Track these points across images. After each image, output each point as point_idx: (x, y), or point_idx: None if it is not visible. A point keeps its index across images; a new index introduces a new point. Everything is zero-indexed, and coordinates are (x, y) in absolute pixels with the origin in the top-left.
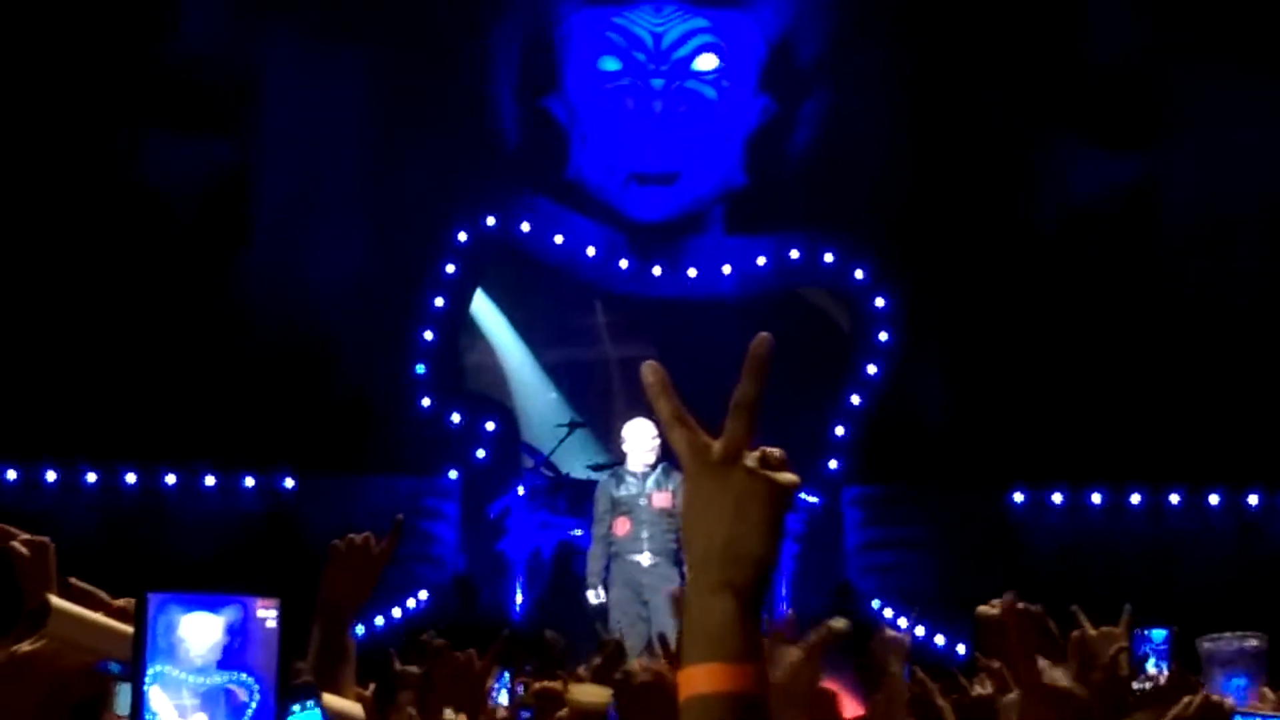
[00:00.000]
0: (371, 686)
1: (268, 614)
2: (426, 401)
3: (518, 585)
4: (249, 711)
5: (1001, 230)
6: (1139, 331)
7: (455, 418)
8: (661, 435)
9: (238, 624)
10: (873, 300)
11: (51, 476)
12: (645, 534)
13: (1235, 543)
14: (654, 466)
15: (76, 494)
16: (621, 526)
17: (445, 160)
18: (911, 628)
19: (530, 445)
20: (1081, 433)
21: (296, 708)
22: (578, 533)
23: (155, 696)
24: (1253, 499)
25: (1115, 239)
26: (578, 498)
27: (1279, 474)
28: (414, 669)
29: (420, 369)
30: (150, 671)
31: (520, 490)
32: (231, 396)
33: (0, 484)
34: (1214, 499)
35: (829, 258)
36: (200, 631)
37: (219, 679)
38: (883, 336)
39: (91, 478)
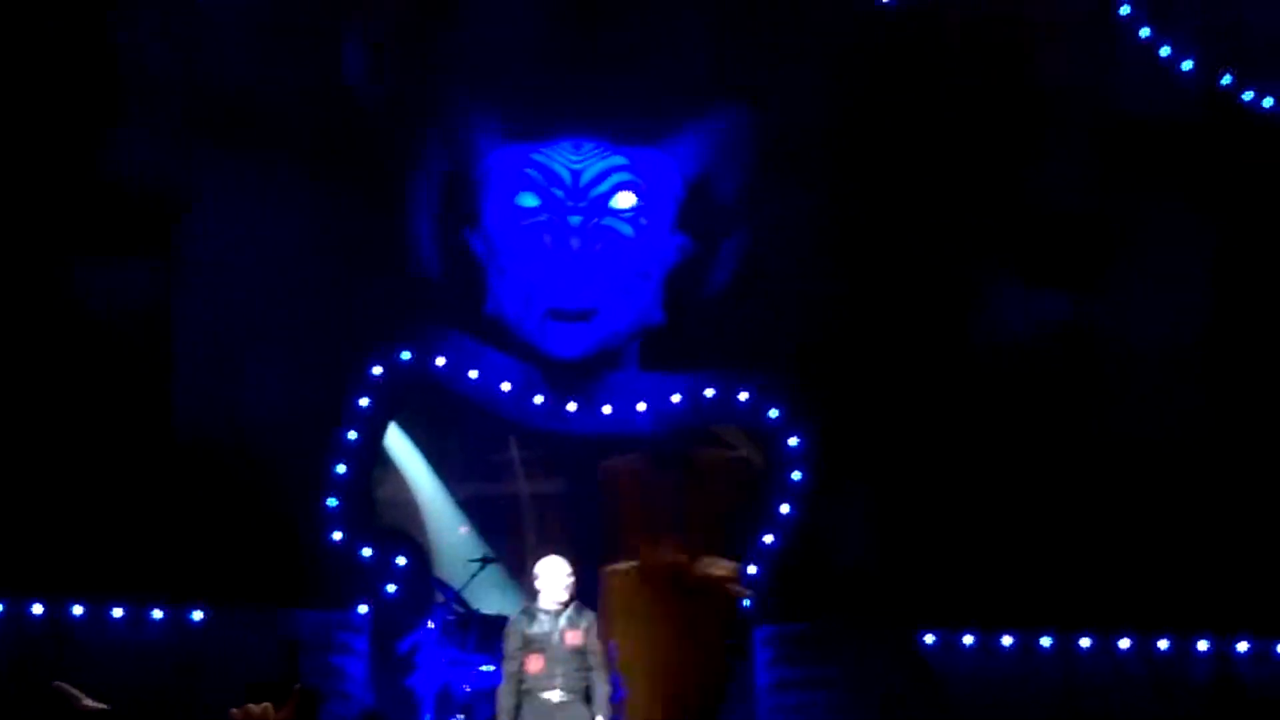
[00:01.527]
0: None
1: None
2: (338, 535)
3: None
4: None
5: (921, 370)
6: (1057, 471)
7: (366, 552)
8: (574, 574)
9: None
10: (786, 439)
11: None
12: (558, 671)
13: (1147, 688)
14: (566, 604)
15: None
16: (534, 664)
17: (364, 293)
18: None
19: (441, 580)
20: (994, 574)
21: None
22: (488, 669)
23: None
24: (1163, 644)
25: (1034, 381)
26: (487, 634)
27: (1191, 620)
28: None
29: (332, 502)
30: None
31: (430, 625)
32: (142, 527)
33: None
34: (1125, 643)
35: (744, 396)
36: None
37: None
38: (795, 475)
39: None
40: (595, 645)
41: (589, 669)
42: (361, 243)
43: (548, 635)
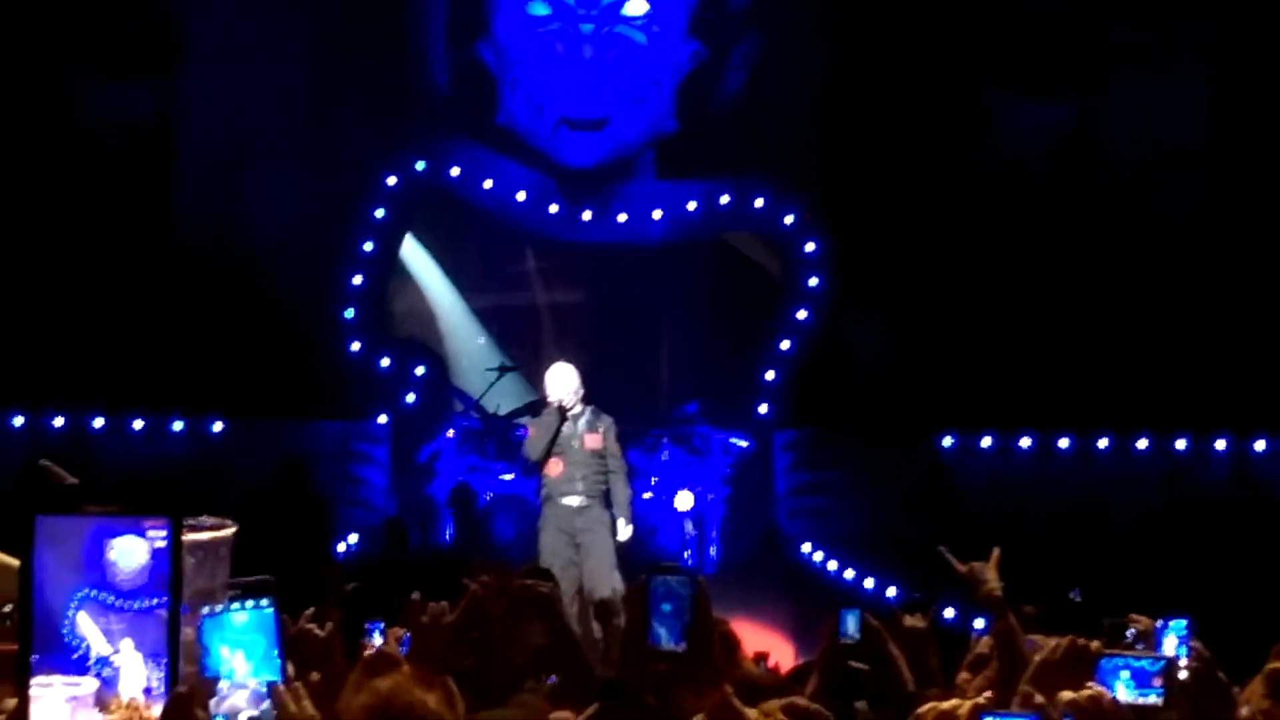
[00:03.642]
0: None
1: (158, 538)
2: (356, 346)
3: (446, 528)
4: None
5: (934, 174)
6: (1070, 277)
7: (385, 362)
8: (583, 379)
9: (160, 543)
10: (802, 245)
11: None
12: (578, 475)
13: (1162, 488)
14: (581, 409)
15: (3, 438)
16: (554, 468)
17: (376, 105)
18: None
19: (460, 390)
20: (1011, 377)
21: (249, 603)
22: (507, 477)
23: (83, 622)
24: (1180, 444)
25: (1049, 184)
26: (506, 441)
27: (1207, 419)
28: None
29: (349, 313)
30: (77, 596)
31: (450, 434)
32: (162, 341)
33: None
34: (1142, 444)
35: (759, 203)
36: (128, 556)
37: (149, 603)
38: (812, 281)
39: (19, 421)
40: (614, 448)
41: (608, 472)
42: (372, 53)
43: (568, 439)
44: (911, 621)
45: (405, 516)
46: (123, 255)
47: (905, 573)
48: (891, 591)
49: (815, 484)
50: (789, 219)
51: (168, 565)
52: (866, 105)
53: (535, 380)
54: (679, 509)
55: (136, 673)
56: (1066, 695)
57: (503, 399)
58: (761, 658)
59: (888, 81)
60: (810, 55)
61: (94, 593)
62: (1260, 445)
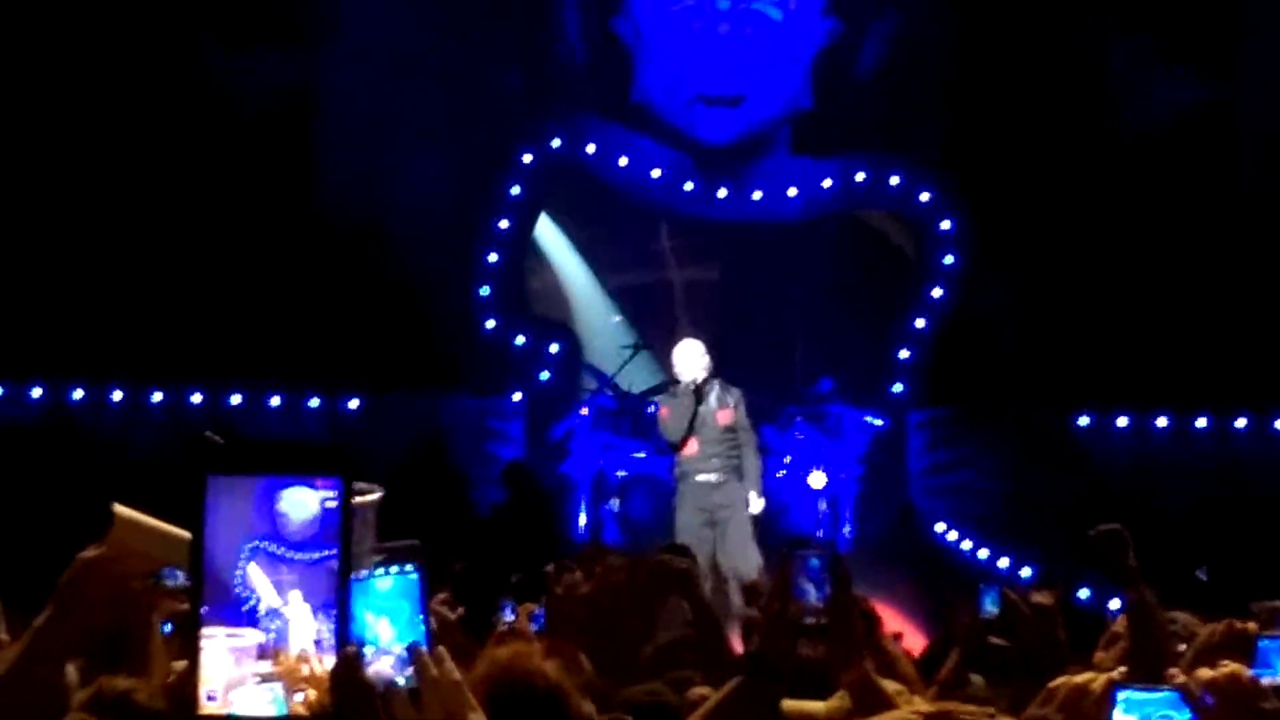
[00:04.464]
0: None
1: (328, 494)
2: (491, 323)
3: (582, 505)
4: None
5: (1070, 149)
6: (1208, 253)
7: (520, 339)
8: (710, 354)
9: (330, 501)
10: (938, 223)
11: (118, 396)
12: (713, 452)
13: None
14: (704, 386)
15: (143, 414)
16: (691, 446)
17: (510, 82)
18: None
19: (594, 367)
20: (1148, 356)
21: (395, 568)
22: (641, 455)
23: (254, 574)
24: None
25: (1189, 159)
26: (640, 420)
27: None
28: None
29: (485, 290)
30: (247, 547)
31: (584, 412)
32: (298, 316)
33: (69, 403)
34: None
35: (895, 180)
36: (300, 507)
37: (319, 554)
38: (948, 259)
39: (157, 398)
40: (744, 420)
41: (740, 445)
42: (510, 28)
43: (701, 417)
44: (1039, 598)
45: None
46: (261, 229)
47: (1040, 552)
48: (1026, 572)
49: (950, 463)
50: (925, 196)
51: (339, 518)
52: (1002, 81)
53: (668, 360)
54: (813, 487)
55: (306, 625)
56: (1205, 673)
57: (636, 378)
58: (896, 637)
59: (1023, 57)
60: (946, 31)
61: (265, 544)
62: None
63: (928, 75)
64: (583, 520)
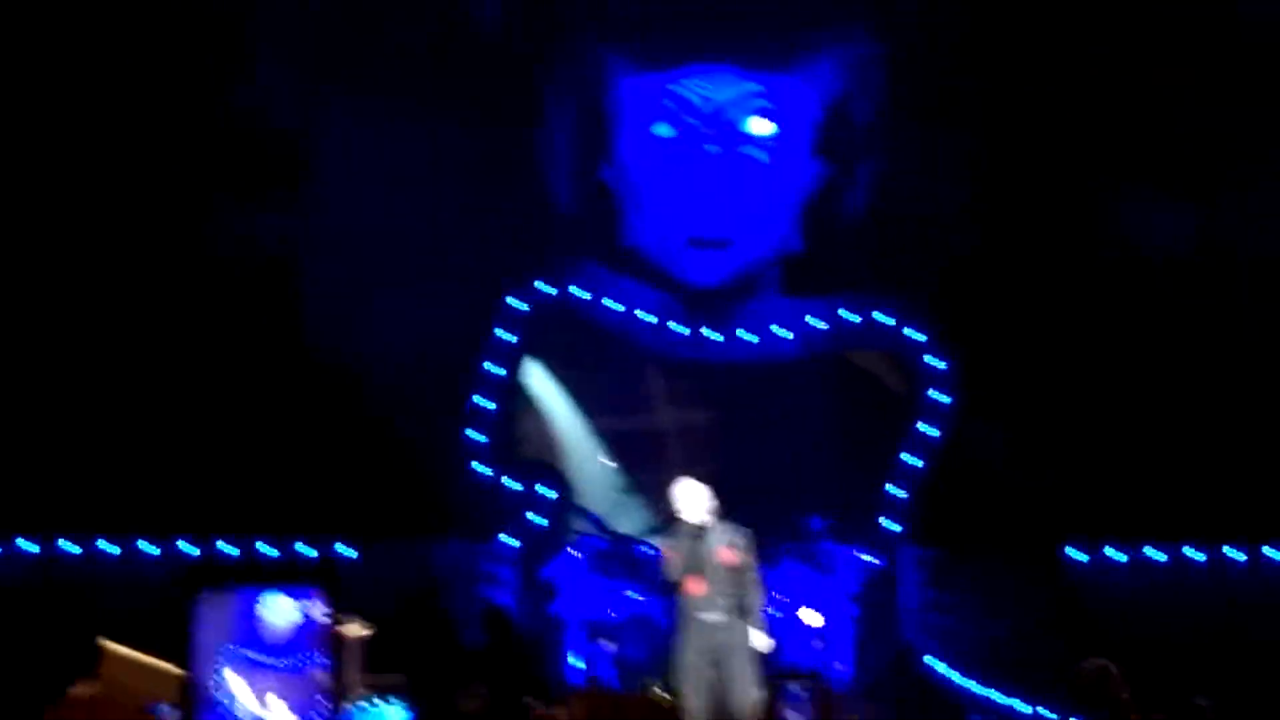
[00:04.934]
0: None
1: (317, 609)
2: (482, 468)
3: (572, 648)
4: (321, 696)
5: (1057, 284)
6: (1200, 386)
7: (512, 483)
8: (716, 496)
9: (307, 612)
10: (928, 360)
11: (109, 549)
12: (717, 591)
13: None
14: (712, 524)
15: (135, 565)
16: (696, 586)
17: (502, 229)
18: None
19: (585, 509)
20: (1142, 489)
21: (382, 702)
22: (634, 595)
23: (230, 679)
24: None
25: (1170, 294)
26: (632, 561)
27: None
28: None
29: (476, 435)
30: (225, 651)
31: (575, 553)
32: (290, 465)
33: (60, 556)
34: (1277, 554)
35: (885, 319)
36: (279, 613)
37: (299, 660)
38: (939, 396)
39: (149, 549)
40: (751, 561)
41: (744, 585)
42: (496, 176)
43: (705, 557)
44: None
45: (533, 633)
46: (250, 380)
47: (1037, 690)
48: (1025, 708)
49: (945, 601)
50: (915, 334)
51: (317, 626)
52: (989, 217)
53: (658, 500)
54: (809, 625)
55: None
56: None
57: (627, 519)
58: None
59: (1011, 197)
60: (934, 171)
61: (243, 650)
62: None
63: (918, 215)
64: (572, 661)
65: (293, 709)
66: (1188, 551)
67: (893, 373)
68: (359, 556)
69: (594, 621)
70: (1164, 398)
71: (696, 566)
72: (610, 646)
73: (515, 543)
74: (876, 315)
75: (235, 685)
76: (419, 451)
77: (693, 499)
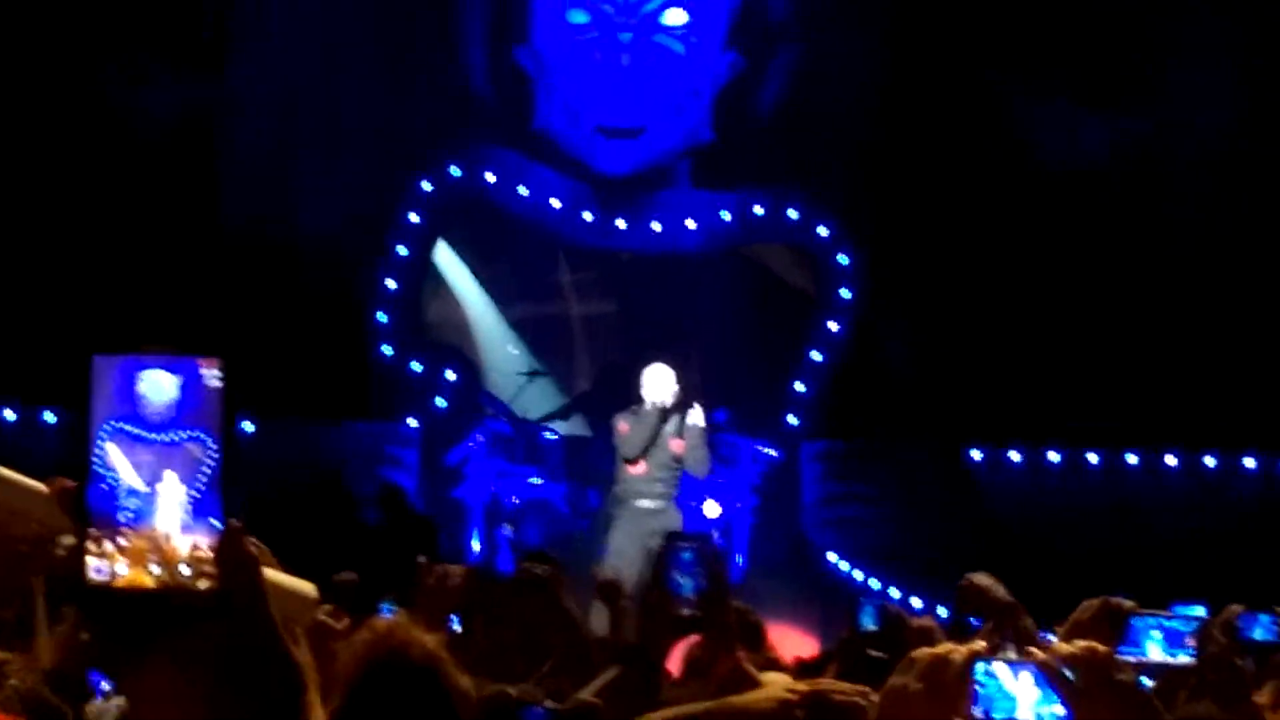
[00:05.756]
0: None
1: (212, 375)
2: (387, 349)
3: (474, 532)
4: (205, 469)
5: (967, 187)
6: (1102, 288)
7: (416, 366)
8: (680, 383)
9: (190, 382)
10: (836, 257)
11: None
12: (658, 476)
13: (1194, 505)
14: (670, 411)
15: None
16: (639, 466)
17: (412, 108)
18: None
19: (490, 395)
20: (1041, 391)
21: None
22: (536, 480)
23: (112, 453)
24: (1210, 460)
25: (1079, 197)
26: (535, 446)
27: (1236, 436)
28: None
29: (382, 317)
30: (107, 427)
31: (479, 438)
32: (198, 339)
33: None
34: (1171, 460)
35: (793, 214)
36: (158, 388)
37: (176, 436)
38: (845, 294)
39: (50, 419)
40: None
41: (681, 476)
42: (410, 57)
43: (654, 441)
44: (920, 622)
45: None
46: (164, 253)
47: (931, 585)
48: (916, 602)
49: (844, 495)
50: (823, 230)
51: (198, 402)
52: (902, 117)
53: (567, 386)
54: (707, 516)
55: (176, 507)
56: (1063, 647)
57: (531, 404)
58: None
59: (924, 93)
60: (848, 67)
61: (123, 425)
62: None
63: (829, 110)
64: (476, 546)
65: (185, 483)
66: (1086, 455)
67: (797, 267)
68: (256, 431)
69: (494, 506)
70: (1070, 302)
71: (649, 447)
72: (509, 531)
73: (415, 424)
74: (784, 208)
75: (117, 460)
76: (327, 330)
77: (659, 382)
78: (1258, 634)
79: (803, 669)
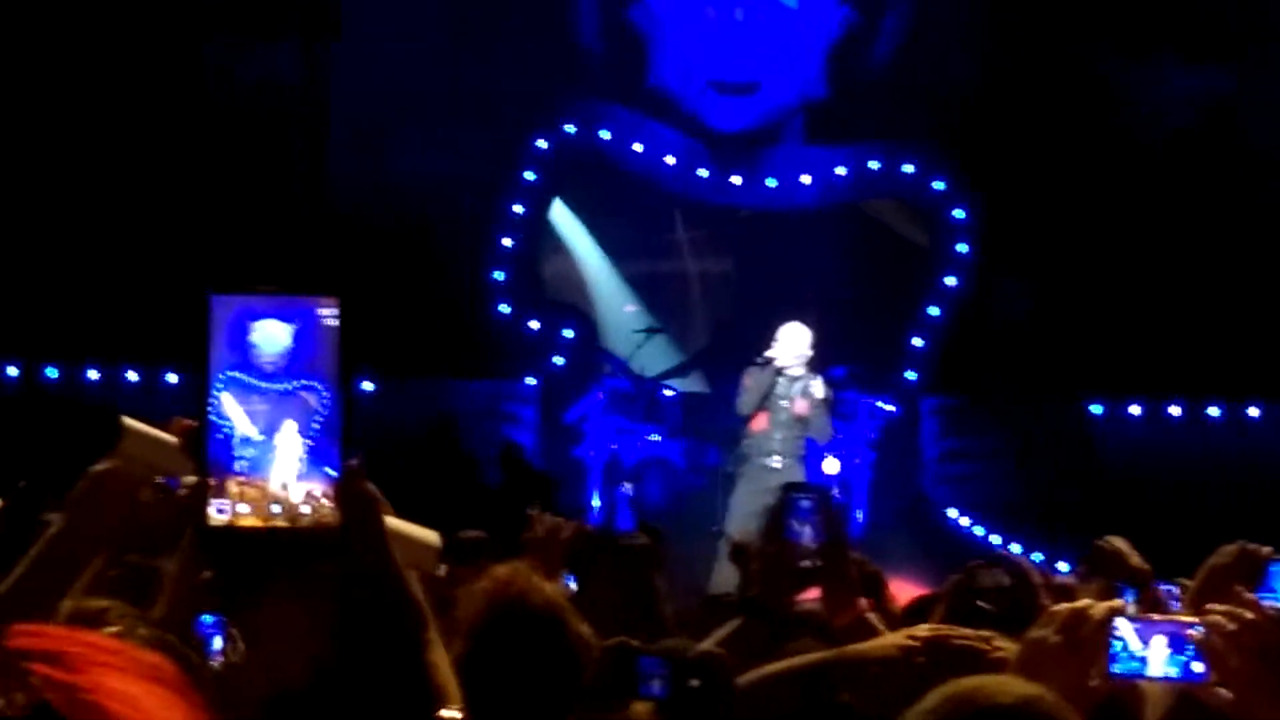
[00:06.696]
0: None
1: (329, 314)
2: (505, 308)
3: (594, 490)
4: (319, 418)
5: (1084, 141)
6: (1221, 244)
7: (534, 324)
8: (813, 347)
9: (305, 329)
10: (951, 211)
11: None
12: (779, 435)
13: None
14: (801, 374)
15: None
16: (759, 422)
17: (527, 66)
18: None
19: (608, 352)
20: (1161, 345)
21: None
22: (655, 438)
23: (227, 402)
24: None
25: (1202, 151)
26: (654, 404)
27: None
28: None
29: (499, 275)
30: (221, 377)
31: (599, 396)
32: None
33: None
34: None
35: (908, 169)
36: (271, 338)
37: (290, 385)
38: (961, 248)
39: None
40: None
41: (806, 439)
42: (525, 14)
43: (779, 398)
44: (1059, 579)
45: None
46: (281, 216)
47: (1052, 540)
48: (1037, 557)
49: (962, 450)
50: (939, 185)
51: (313, 349)
52: (1019, 71)
53: (683, 343)
54: (826, 473)
55: (294, 455)
56: (1215, 613)
57: (650, 362)
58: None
59: (1041, 48)
60: (963, 21)
61: (238, 374)
62: None
63: (944, 64)
64: (595, 504)
65: (301, 432)
66: (1208, 409)
67: (912, 222)
68: (376, 391)
69: (613, 463)
70: (1184, 256)
71: (767, 405)
72: (629, 489)
73: (534, 382)
74: (900, 163)
75: (232, 410)
76: (445, 290)
77: (790, 342)
78: None
79: (908, 611)
